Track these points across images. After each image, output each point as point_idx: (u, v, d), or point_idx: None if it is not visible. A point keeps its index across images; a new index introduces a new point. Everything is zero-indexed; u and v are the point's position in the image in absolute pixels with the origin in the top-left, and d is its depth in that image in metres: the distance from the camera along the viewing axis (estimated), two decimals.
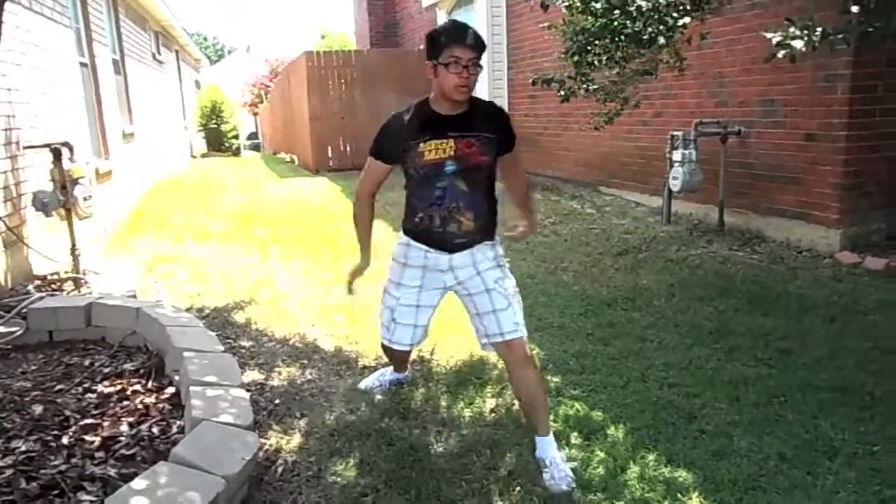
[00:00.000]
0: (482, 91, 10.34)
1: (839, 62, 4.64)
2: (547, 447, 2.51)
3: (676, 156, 5.75)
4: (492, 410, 2.96)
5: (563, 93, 4.11)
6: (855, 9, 2.64)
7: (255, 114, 31.52)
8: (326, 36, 31.03)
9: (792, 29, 2.67)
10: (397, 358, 3.04)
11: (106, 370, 3.12)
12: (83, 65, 6.58)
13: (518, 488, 2.39)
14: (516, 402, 2.78)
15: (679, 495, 2.33)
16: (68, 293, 4.09)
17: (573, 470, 2.45)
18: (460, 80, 2.31)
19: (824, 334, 3.63)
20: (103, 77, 7.24)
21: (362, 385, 3.11)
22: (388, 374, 3.14)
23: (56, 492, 2.15)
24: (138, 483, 1.98)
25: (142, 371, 3.09)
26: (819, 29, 2.63)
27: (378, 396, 3.02)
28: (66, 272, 4.41)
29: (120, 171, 7.55)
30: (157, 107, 11.76)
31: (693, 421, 2.82)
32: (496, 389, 3.13)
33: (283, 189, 10.31)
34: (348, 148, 12.26)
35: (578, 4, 3.64)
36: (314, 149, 12.05)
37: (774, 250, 5.24)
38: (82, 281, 4.22)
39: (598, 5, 3.49)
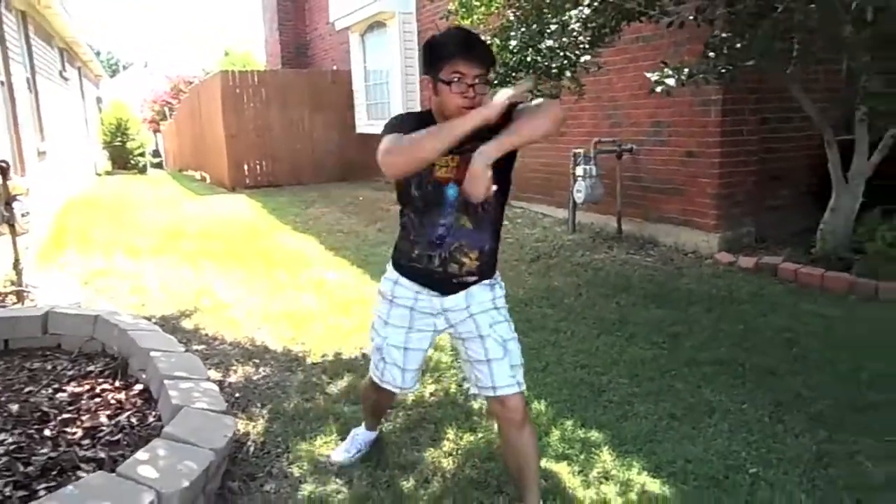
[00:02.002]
0: (396, 111, 10.83)
1: (712, 90, 5.40)
2: None
3: (579, 171, 6.40)
4: (431, 394, 3.38)
5: None
6: (711, 54, 3.31)
7: (157, 131, 30.70)
8: (230, 53, 30.76)
9: (666, 70, 3.29)
10: (381, 405, 2.72)
11: (70, 373, 3.32)
12: (1, 83, 6.55)
13: (461, 453, 2.83)
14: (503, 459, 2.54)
15: (593, 450, 2.83)
16: (11, 306, 4.20)
17: None
18: (464, 101, 1.96)
19: (706, 321, 4.28)
20: (19, 95, 7.20)
21: (338, 459, 2.72)
22: (360, 435, 2.80)
23: (54, 472, 2.39)
24: (141, 455, 2.28)
25: (107, 372, 3.31)
26: (686, 69, 3.27)
27: (352, 459, 2.75)
28: (5, 286, 4.49)
29: (35, 188, 7.48)
30: (65, 124, 11.53)
31: (602, 394, 3.35)
32: (435, 376, 3.56)
33: (202, 206, 10.36)
34: (264, 166, 12.42)
35: (499, 42, 4.20)
36: (230, 167, 12.13)
37: (665, 253, 5.97)
38: (25, 294, 4.34)
39: (514, 44, 4.06)
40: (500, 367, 2.18)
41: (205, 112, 14.02)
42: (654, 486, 2.57)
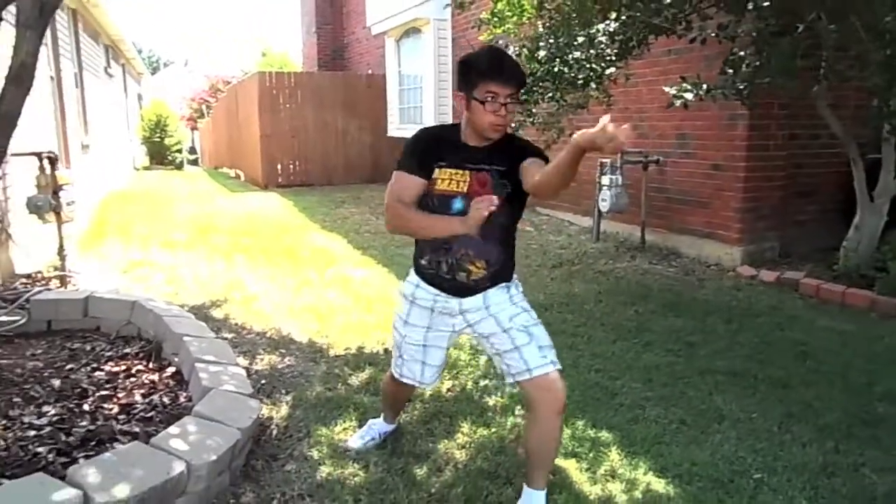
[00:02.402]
0: (428, 115, 11.00)
1: (739, 104, 5.44)
2: (536, 501, 2.37)
3: (605, 180, 6.48)
4: (448, 390, 3.50)
5: (513, 124, 4.77)
6: (730, 71, 3.40)
7: (194, 128, 31.35)
8: (267, 54, 31.31)
9: (684, 84, 3.39)
10: (399, 399, 2.83)
11: (108, 354, 3.51)
12: (52, 78, 6.86)
13: (473, 445, 2.94)
14: (521, 448, 2.63)
15: (602, 449, 2.92)
16: (55, 289, 4.42)
17: None
18: (497, 118, 2.11)
19: (723, 332, 4.34)
20: (67, 90, 7.51)
21: (354, 446, 2.84)
22: (376, 425, 2.91)
23: (93, 443, 2.56)
24: (173, 430, 2.44)
25: (141, 354, 3.50)
26: (704, 85, 3.37)
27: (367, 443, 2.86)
28: (48, 271, 4.73)
29: (79, 181, 7.78)
30: (108, 119, 11.93)
31: (614, 397, 3.44)
32: (453, 373, 3.68)
33: (236, 203, 10.64)
34: (297, 165, 12.69)
35: (527, 53, 4.33)
36: (264, 165, 12.41)
37: (687, 264, 6.01)
38: (68, 279, 4.56)
39: (543, 54, 4.19)
40: (529, 350, 2.24)
41: (241, 111, 14.35)
42: (659, 485, 2.66)
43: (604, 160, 6.62)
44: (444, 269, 2.28)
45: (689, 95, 3.44)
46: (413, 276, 2.43)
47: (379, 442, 2.89)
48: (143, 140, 19.12)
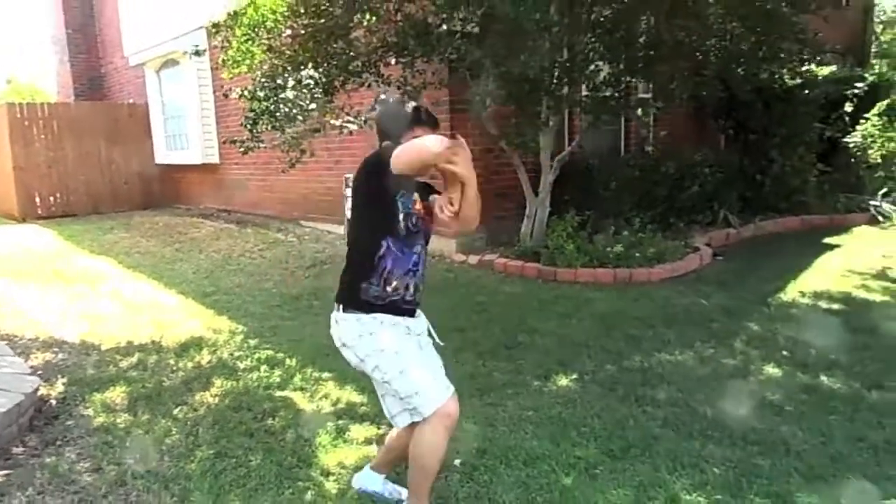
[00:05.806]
0: (194, 142, 11.53)
1: (443, 125, 6.90)
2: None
3: (348, 192, 7.66)
4: (207, 361, 4.37)
5: (242, 149, 5.76)
6: (377, 106, 4.79)
7: None
8: (13, 81, 28.93)
9: (348, 117, 4.67)
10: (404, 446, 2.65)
11: None
12: None
13: (224, 393, 3.87)
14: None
15: (321, 383, 3.99)
16: None
17: None
18: None
19: (429, 301, 5.61)
20: None
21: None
22: (381, 483, 2.92)
23: None
24: None
25: None
26: (363, 116, 4.68)
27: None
28: None
29: None
30: None
31: (337, 353, 4.53)
32: (211, 349, 4.55)
33: None
34: (58, 196, 12.44)
35: (248, 94, 5.36)
36: (19, 197, 12.01)
37: None
38: None
39: (262, 94, 5.26)
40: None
41: None
42: (354, 397, 3.78)
43: (348, 175, 7.80)
44: (411, 292, 2.53)
45: (352, 126, 4.74)
46: (370, 321, 2.49)
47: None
48: None
